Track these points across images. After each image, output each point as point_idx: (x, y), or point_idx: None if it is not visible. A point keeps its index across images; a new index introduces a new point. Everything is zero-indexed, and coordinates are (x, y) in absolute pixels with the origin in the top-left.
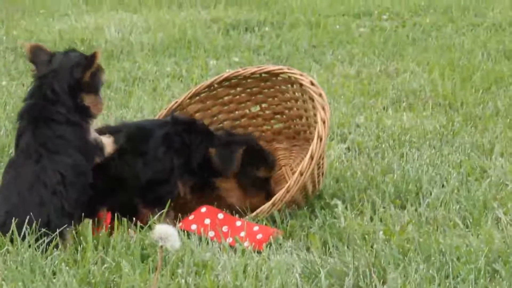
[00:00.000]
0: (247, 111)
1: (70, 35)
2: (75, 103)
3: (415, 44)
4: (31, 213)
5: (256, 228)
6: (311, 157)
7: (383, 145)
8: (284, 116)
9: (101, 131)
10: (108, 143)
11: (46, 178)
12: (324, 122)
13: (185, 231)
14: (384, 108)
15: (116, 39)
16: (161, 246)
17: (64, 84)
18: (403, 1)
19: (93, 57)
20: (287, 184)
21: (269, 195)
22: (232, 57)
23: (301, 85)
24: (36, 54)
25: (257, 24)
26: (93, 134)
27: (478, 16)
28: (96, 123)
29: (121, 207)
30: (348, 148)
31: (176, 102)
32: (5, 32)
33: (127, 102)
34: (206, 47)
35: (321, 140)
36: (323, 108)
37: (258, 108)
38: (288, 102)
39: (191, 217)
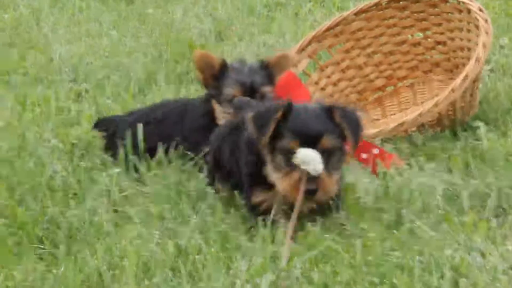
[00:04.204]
0: (409, 36)
1: None
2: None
3: None
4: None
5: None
6: (466, 77)
7: None
8: (446, 47)
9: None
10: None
11: None
12: (484, 46)
13: None
14: None
15: None
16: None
17: None
18: None
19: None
20: (437, 98)
21: None
22: None
23: (469, 11)
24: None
25: None
26: None
27: None
28: None
29: None
30: (491, 70)
31: (341, 16)
32: None
33: (269, 27)
34: None
35: (479, 62)
36: (487, 32)
37: (421, 35)
38: (452, 32)
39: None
